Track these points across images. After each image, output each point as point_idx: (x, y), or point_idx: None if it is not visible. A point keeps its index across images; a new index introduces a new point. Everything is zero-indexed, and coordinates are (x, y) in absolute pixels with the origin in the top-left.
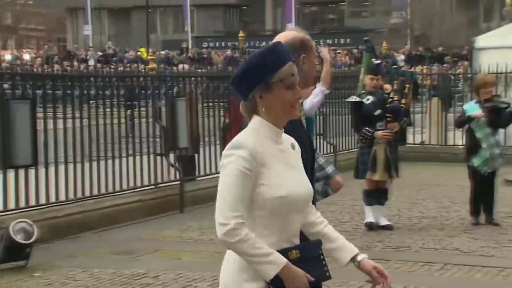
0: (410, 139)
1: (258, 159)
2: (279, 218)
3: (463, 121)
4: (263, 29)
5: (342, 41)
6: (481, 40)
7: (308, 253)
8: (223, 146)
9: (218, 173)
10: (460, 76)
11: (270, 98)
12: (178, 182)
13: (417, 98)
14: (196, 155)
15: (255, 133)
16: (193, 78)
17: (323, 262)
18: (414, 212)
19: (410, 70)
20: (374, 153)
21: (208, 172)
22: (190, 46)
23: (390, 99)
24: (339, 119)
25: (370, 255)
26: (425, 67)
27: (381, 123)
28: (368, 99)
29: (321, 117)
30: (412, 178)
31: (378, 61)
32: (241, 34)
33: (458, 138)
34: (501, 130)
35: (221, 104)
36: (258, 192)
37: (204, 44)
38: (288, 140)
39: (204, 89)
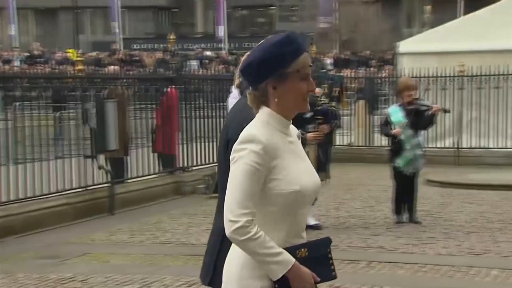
0: (338, 140)
1: (271, 153)
2: (290, 213)
3: (386, 134)
4: (194, 31)
5: None
6: (402, 45)
7: (317, 252)
8: (154, 148)
9: (149, 174)
10: (385, 79)
11: (284, 89)
12: (107, 185)
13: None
14: (126, 157)
15: (265, 125)
16: (124, 80)
17: (330, 261)
18: (341, 211)
19: (339, 74)
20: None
21: (139, 174)
22: (120, 48)
23: (320, 102)
24: None
25: None
26: (352, 70)
27: (312, 125)
28: None
29: None
30: (340, 178)
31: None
32: (171, 36)
33: (383, 140)
34: (422, 132)
35: (152, 106)
36: (270, 187)
37: (135, 46)
38: (294, 130)
39: (135, 91)
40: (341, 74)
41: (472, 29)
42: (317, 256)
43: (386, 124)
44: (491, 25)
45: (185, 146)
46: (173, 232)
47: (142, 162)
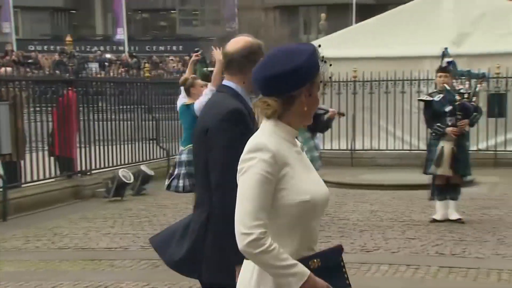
0: None
1: (280, 162)
2: (301, 224)
3: None
4: (93, 33)
5: (174, 48)
6: None
7: (329, 261)
8: (50, 151)
9: (46, 179)
10: None
11: (312, 98)
12: (0, 189)
13: None
14: (20, 161)
15: (272, 134)
16: (17, 82)
17: (343, 269)
18: None
19: None
20: None
21: (35, 178)
22: (14, 49)
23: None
24: (171, 124)
25: None
26: None
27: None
28: None
29: (153, 122)
30: None
31: (211, 69)
32: (68, 38)
33: None
34: (318, 134)
35: (49, 108)
36: (279, 197)
37: (31, 47)
38: (298, 141)
39: (30, 93)
40: None
41: (364, 36)
42: (330, 266)
43: None
44: (381, 33)
45: (84, 149)
46: (71, 237)
47: (38, 166)
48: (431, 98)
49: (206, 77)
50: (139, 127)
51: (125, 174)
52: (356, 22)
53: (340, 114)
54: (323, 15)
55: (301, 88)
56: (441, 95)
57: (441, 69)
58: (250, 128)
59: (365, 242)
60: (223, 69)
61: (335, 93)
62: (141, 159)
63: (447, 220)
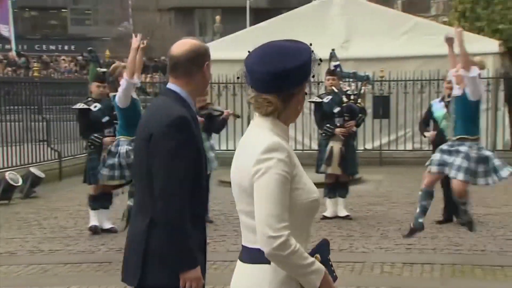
0: None
1: (292, 162)
2: (309, 223)
3: None
4: None
5: (66, 47)
6: None
7: (325, 256)
8: None
9: None
10: None
11: (303, 98)
12: None
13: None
14: None
15: (275, 133)
16: None
17: (330, 262)
18: None
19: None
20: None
21: None
22: None
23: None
24: (63, 125)
25: (94, 259)
26: (149, 76)
27: (110, 129)
28: (95, 106)
29: (44, 123)
30: None
31: (104, 69)
32: None
33: None
34: (213, 135)
35: None
36: (293, 196)
37: None
38: None
39: None
40: None
41: (258, 39)
42: (324, 260)
43: None
44: (275, 36)
45: None
46: None
47: None
48: (320, 100)
49: (99, 78)
50: (29, 128)
51: (13, 177)
52: (251, 25)
53: (235, 116)
54: (218, 18)
55: (301, 85)
56: (330, 97)
57: (329, 72)
58: (194, 135)
59: None
60: (168, 72)
61: (231, 94)
62: (31, 161)
63: (336, 217)
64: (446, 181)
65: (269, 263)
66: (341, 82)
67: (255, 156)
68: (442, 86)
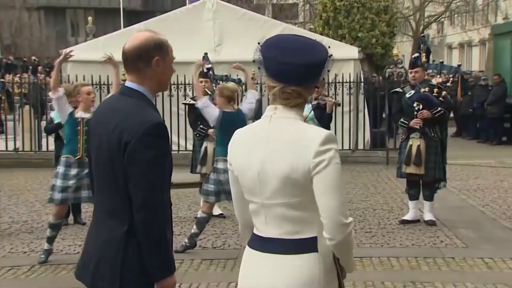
0: (2, 146)
1: None
2: None
3: (55, 126)
4: None
5: None
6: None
7: None
8: None
9: None
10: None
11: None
12: None
13: (12, 108)
14: None
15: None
16: None
17: None
18: (4, 218)
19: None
20: None
21: None
22: None
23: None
24: None
25: None
26: (17, 75)
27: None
28: None
29: None
30: (5, 184)
31: None
32: None
33: (51, 145)
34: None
35: None
36: None
37: None
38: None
39: None
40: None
41: None
42: None
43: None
44: None
45: None
46: None
47: None
48: (194, 102)
49: None
50: None
51: None
52: (124, 26)
53: None
54: (90, 18)
55: (317, 79)
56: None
57: (201, 75)
58: (169, 141)
59: None
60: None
61: (105, 95)
62: None
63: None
64: None
65: (317, 251)
66: (214, 85)
67: (313, 148)
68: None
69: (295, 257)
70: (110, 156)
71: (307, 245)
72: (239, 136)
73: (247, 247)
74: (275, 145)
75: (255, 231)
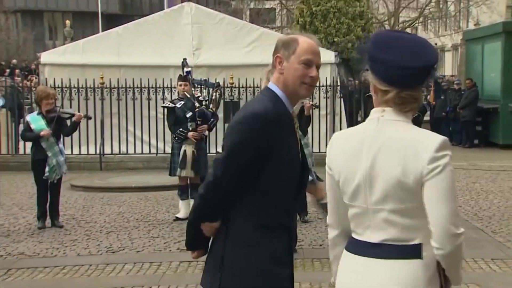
0: None
1: None
2: None
3: (32, 137)
4: None
5: None
6: (44, 56)
7: None
8: None
9: None
10: (30, 88)
11: None
12: None
13: None
14: None
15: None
16: None
17: None
18: None
19: None
20: None
21: None
22: None
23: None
24: None
25: None
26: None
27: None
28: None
29: None
30: None
31: None
32: None
33: (27, 148)
34: (62, 139)
35: None
36: None
37: None
38: None
39: None
40: None
41: (109, 44)
42: None
43: (30, 131)
44: (127, 42)
45: None
46: None
47: None
48: (173, 105)
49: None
50: None
51: None
52: (103, 30)
53: (87, 117)
54: (68, 22)
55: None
56: (182, 102)
57: (181, 78)
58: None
59: (111, 243)
60: None
61: (83, 98)
62: None
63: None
64: None
65: (421, 258)
66: (193, 88)
67: (428, 154)
68: None
69: (397, 262)
70: None
71: (411, 252)
72: (339, 139)
73: (344, 251)
74: (385, 148)
75: (354, 236)
